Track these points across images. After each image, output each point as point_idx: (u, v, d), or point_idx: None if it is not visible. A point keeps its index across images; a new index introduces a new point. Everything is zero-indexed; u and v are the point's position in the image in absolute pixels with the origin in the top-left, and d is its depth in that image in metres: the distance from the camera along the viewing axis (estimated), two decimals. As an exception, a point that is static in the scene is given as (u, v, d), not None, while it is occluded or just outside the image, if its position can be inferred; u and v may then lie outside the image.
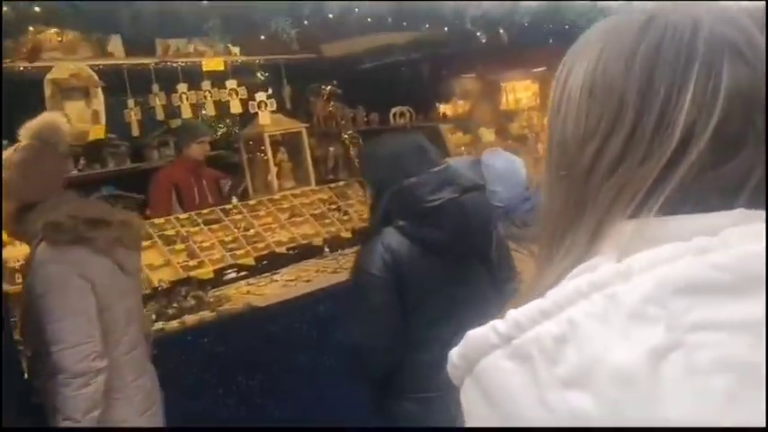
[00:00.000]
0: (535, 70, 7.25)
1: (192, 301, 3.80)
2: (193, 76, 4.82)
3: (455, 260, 2.45)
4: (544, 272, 0.70)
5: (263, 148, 5.25)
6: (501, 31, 3.48)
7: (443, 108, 6.33)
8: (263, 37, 2.87)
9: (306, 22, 2.64)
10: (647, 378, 0.55)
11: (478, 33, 3.25)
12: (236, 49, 4.99)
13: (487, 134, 6.98)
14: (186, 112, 4.77)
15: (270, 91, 5.53)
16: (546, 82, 7.54)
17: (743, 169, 0.64)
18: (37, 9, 2.67)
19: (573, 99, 0.71)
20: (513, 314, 0.62)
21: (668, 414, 0.54)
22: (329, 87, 5.71)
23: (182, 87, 4.72)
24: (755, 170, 0.64)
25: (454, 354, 0.65)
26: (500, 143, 7.02)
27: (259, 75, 5.98)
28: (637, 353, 0.56)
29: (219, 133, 6.60)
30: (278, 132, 5.29)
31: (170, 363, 3.40)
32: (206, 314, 3.73)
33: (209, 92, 4.75)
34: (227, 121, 6.44)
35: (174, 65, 4.69)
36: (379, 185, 2.45)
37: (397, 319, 2.37)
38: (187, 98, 4.71)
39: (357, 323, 2.41)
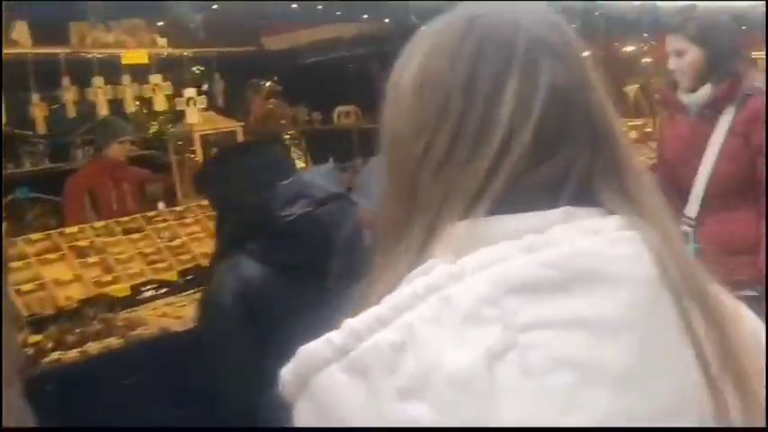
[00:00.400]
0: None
1: (99, 326, 3.34)
2: (112, 69, 4.34)
3: (316, 282, 2.15)
4: (380, 277, 0.68)
5: (192, 148, 4.80)
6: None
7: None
8: (160, 23, 2.45)
9: (215, 7, 2.23)
10: (483, 380, 0.55)
11: (424, 27, 2.85)
12: (162, 41, 4.52)
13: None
14: (102, 109, 4.28)
15: (205, 86, 5.08)
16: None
17: (563, 166, 0.66)
18: None
19: (403, 97, 0.71)
20: (349, 324, 0.61)
21: (505, 416, 0.55)
22: (268, 83, 5.27)
23: (97, 81, 4.23)
24: (575, 167, 0.66)
25: (286, 371, 0.62)
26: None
27: (195, 69, 5.52)
28: (472, 355, 0.56)
29: (152, 131, 6.11)
30: (210, 131, 4.84)
31: (68, 400, 2.96)
32: (113, 341, 3.27)
33: (129, 87, 4.26)
34: (161, 118, 5.95)
35: (89, 56, 4.19)
36: (223, 205, 2.18)
37: (250, 356, 2.08)
38: (103, 93, 4.22)
39: (206, 363, 2.14)
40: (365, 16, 2.94)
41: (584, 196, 0.67)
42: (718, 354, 0.62)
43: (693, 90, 2.89)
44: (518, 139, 0.65)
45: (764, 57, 9.02)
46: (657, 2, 4.78)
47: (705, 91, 2.86)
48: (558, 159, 0.66)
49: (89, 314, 3.49)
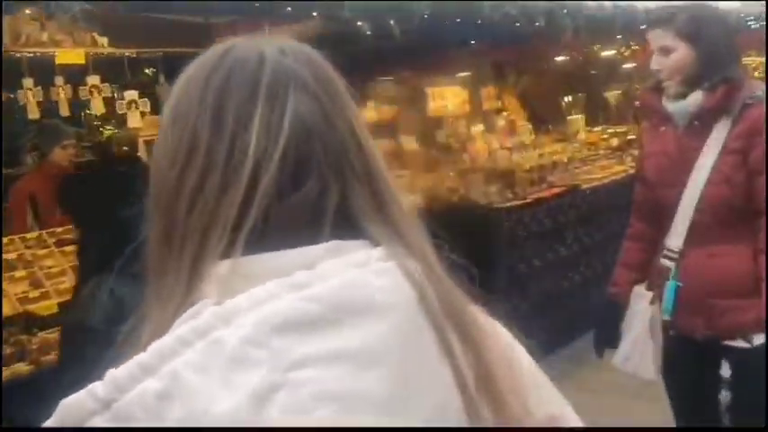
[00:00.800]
0: (461, 74, 6.68)
1: (9, 349, 3.05)
2: (46, 69, 4.06)
3: None
4: (151, 316, 0.68)
5: (138, 153, 4.53)
6: (392, 22, 2.84)
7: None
8: (27, 11, 2.19)
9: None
10: (250, 423, 0.57)
11: (359, 23, 2.61)
12: (103, 40, 4.24)
13: (409, 142, 6.38)
14: (33, 112, 4.00)
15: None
16: (476, 87, 6.99)
17: (314, 197, 0.68)
18: None
19: (162, 130, 0.74)
20: (112, 373, 0.60)
21: None
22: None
23: (27, 82, 3.95)
24: (329, 199, 0.68)
25: (47, 426, 0.61)
26: (423, 152, 6.45)
27: (148, 71, 5.25)
28: (240, 398, 0.57)
29: (106, 135, 5.84)
30: (155, 136, 4.56)
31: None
32: (21, 367, 2.99)
33: (62, 88, 3.98)
34: (114, 121, 5.68)
35: (18, 55, 3.91)
36: (89, 222, 2.01)
37: None
38: (33, 95, 3.94)
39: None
40: (288, 9, 2.69)
41: (349, 229, 0.68)
42: (475, 372, 0.66)
43: (681, 97, 2.38)
44: (266, 171, 0.66)
45: (752, 62, 8.81)
46: (634, 1, 4.52)
47: (695, 98, 2.35)
48: (309, 189, 0.67)
49: (4, 336, 3.20)
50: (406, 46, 4.56)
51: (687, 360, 2.48)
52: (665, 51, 2.37)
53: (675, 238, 2.41)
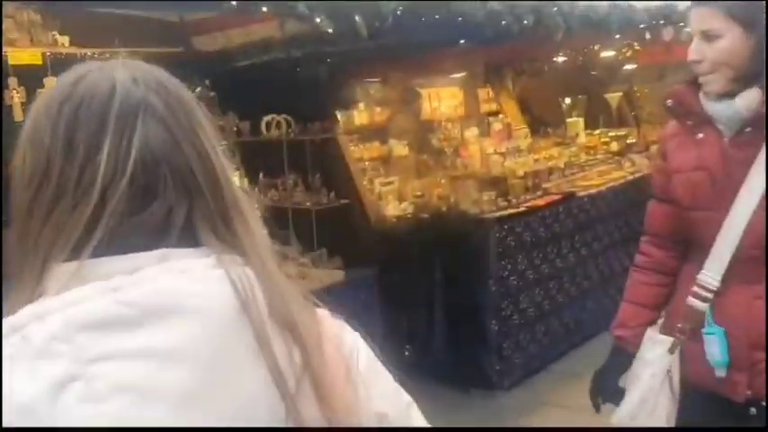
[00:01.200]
0: (455, 75, 6.42)
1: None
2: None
3: None
4: (7, 306, 0.74)
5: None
6: (357, 18, 2.59)
7: (341, 117, 5.41)
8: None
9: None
10: (46, 407, 0.64)
11: (318, 19, 2.37)
12: (64, 39, 3.99)
13: (398, 147, 6.11)
14: (-18, 117, 3.73)
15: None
16: (471, 89, 6.73)
17: (161, 213, 0.75)
18: None
19: (20, 150, 0.78)
20: None
21: None
22: (198, 89, 4.76)
23: (-23, 84, 3.69)
24: (175, 215, 0.75)
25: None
26: (414, 157, 6.18)
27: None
28: (39, 386, 0.64)
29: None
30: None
31: None
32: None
33: (17, 90, 3.73)
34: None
35: (-32, 55, 3.65)
36: None
37: None
38: (-18, 99, 3.68)
39: None
40: (234, 3, 2.47)
41: (192, 239, 0.75)
42: (301, 373, 0.74)
43: (727, 96, 1.86)
44: (113, 195, 0.72)
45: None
46: (630, 0, 4.27)
47: (750, 98, 1.83)
48: (156, 207, 0.74)
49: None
50: (388, 46, 4.29)
51: (709, 422, 1.99)
52: (710, 37, 1.84)
53: (712, 274, 1.91)
